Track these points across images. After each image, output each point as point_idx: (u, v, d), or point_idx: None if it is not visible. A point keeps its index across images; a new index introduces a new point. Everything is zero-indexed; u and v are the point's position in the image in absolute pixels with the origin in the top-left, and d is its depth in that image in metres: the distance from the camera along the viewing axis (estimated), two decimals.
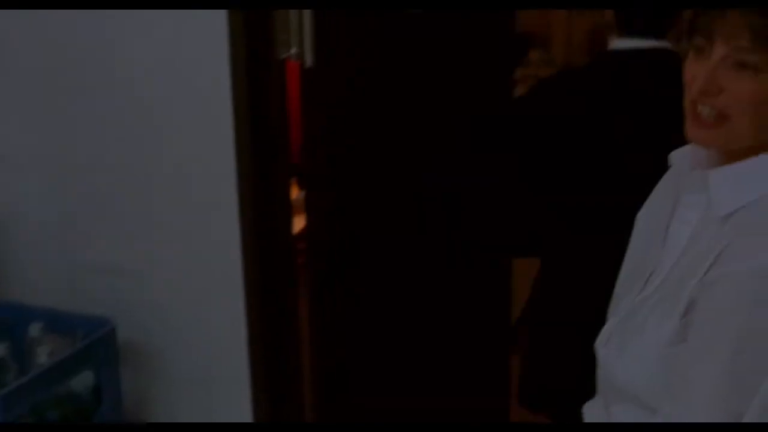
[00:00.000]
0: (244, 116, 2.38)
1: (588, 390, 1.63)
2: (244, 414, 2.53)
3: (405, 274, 2.48)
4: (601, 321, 1.59)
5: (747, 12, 1.28)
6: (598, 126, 2.30)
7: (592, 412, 1.61)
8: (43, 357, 2.24)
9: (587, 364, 1.60)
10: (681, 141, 1.44)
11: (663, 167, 1.59)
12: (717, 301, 1.30)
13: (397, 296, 2.49)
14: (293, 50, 2.33)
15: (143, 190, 2.51)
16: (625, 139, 2.25)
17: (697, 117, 1.36)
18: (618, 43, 2.45)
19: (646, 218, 1.60)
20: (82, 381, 2.31)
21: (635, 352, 1.45)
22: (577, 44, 4.30)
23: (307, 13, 2.27)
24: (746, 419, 1.25)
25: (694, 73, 1.35)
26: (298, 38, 2.29)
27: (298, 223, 2.59)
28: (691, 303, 1.34)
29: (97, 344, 2.30)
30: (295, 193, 2.80)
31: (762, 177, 1.34)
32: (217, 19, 2.28)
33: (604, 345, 1.55)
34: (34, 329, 2.29)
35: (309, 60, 2.33)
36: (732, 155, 1.38)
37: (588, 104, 2.34)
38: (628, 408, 1.46)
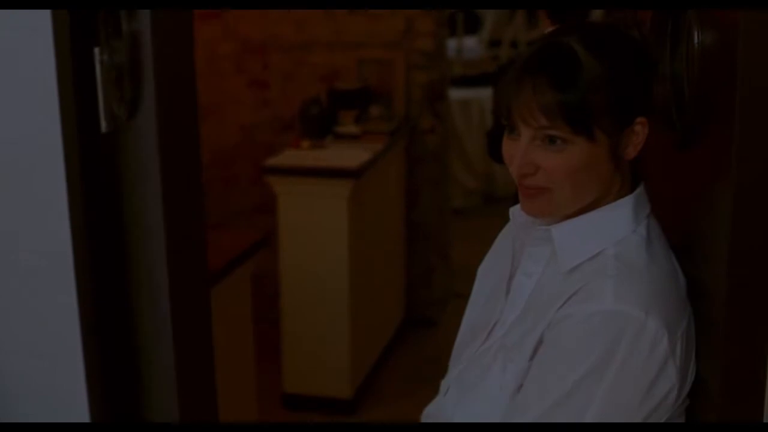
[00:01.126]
0: (75, 187, 2.36)
1: None
2: None
3: None
4: None
5: (537, 91, 1.32)
6: None
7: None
8: None
9: None
10: None
11: None
12: (558, 339, 1.36)
13: None
14: None
15: None
16: None
17: (524, 190, 1.41)
18: None
19: (486, 271, 1.64)
20: None
21: (476, 400, 1.48)
22: (416, 99, 4.40)
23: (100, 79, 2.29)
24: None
25: (510, 152, 1.39)
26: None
27: None
28: (539, 344, 1.39)
29: None
30: None
31: (601, 232, 1.40)
32: (49, 92, 2.28)
33: (444, 394, 1.58)
34: None
35: (104, 125, 2.34)
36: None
37: None
38: None
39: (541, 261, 1.47)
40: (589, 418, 1.32)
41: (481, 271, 1.66)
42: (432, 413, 1.60)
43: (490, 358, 1.48)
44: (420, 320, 4.56)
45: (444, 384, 1.61)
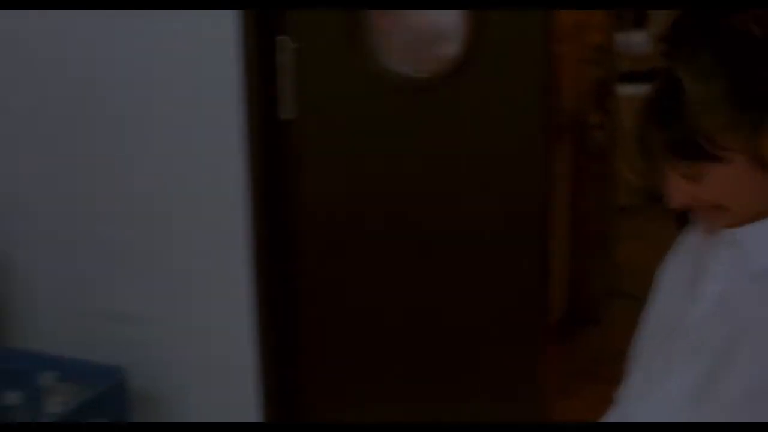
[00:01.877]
0: (255, 175, 2.44)
1: None
2: None
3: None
4: None
5: (653, 133, 1.31)
6: None
7: None
8: (54, 406, 2.25)
9: None
10: None
11: None
12: (753, 343, 1.32)
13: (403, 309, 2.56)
14: None
15: (152, 238, 2.54)
16: None
17: (695, 214, 1.40)
18: None
19: (669, 275, 1.60)
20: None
21: (656, 401, 1.46)
22: (584, 93, 4.33)
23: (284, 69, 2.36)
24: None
25: (665, 187, 1.37)
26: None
27: None
28: (724, 347, 1.36)
29: (109, 393, 2.32)
30: None
31: None
32: (231, 81, 2.36)
33: (626, 397, 1.57)
34: (46, 378, 2.30)
35: (287, 111, 2.40)
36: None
37: None
38: None
39: (727, 264, 1.42)
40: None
41: (663, 274, 1.63)
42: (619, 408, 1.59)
43: (671, 359, 1.45)
44: (581, 317, 4.50)
45: (627, 386, 1.58)
